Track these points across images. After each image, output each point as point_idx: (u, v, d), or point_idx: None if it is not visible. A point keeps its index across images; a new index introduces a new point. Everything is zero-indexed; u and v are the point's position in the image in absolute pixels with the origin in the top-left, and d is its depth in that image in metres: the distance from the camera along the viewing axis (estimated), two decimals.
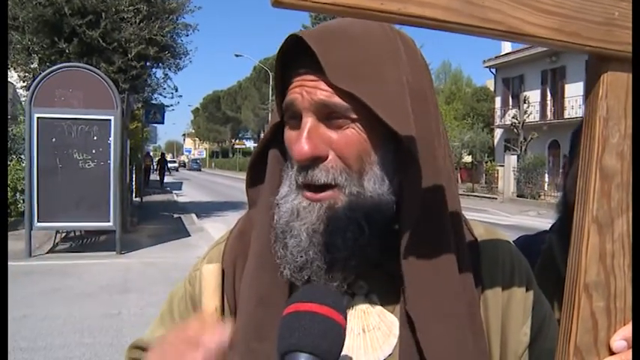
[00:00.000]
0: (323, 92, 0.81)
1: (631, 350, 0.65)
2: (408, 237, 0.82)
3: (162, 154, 43.92)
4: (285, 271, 0.86)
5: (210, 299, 0.94)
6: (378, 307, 0.89)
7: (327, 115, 0.83)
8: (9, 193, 12.29)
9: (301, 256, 0.84)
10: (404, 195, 0.85)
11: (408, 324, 0.84)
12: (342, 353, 0.74)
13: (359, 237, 0.83)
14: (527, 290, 0.94)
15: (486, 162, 31.93)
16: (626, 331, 0.66)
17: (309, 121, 0.82)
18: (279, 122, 0.90)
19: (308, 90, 0.82)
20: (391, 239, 0.85)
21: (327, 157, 0.83)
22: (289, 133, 0.87)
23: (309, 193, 0.84)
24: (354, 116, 0.82)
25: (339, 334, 0.73)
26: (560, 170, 1.59)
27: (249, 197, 0.96)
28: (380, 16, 0.50)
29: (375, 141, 0.84)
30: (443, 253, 0.85)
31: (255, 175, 0.95)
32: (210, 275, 0.95)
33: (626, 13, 0.59)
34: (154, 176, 37.87)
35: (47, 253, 10.56)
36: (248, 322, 0.88)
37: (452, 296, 0.84)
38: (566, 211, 1.47)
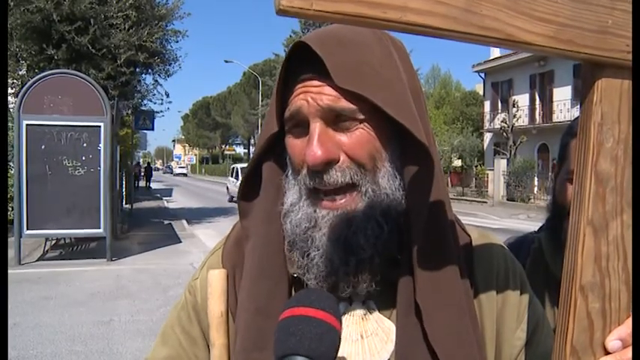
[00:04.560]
0: (328, 97, 0.82)
1: (626, 350, 0.67)
2: (420, 231, 0.84)
3: (148, 164, 49.08)
4: (310, 281, 0.86)
5: (216, 304, 0.94)
6: (376, 314, 0.90)
7: (334, 119, 0.83)
8: None
9: (326, 266, 0.84)
10: (412, 191, 0.86)
11: (416, 314, 0.85)
12: (341, 359, 0.75)
13: (379, 234, 0.84)
14: (521, 294, 0.95)
15: (476, 166, 32.05)
16: (621, 331, 0.67)
17: (317, 126, 0.83)
18: (275, 133, 0.89)
19: (313, 96, 0.83)
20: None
21: (339, 160, 0.83)
22: (294, 142, 0.87)
23: (326, 202, 0.85)
24: (362, 117, 0.83)
25: (334, 337, 0.74)
26: (550, 174, 1.61)
27: (241, 209, 0.95)
28: (381, 24, 0.51)
29: (383, 139, 0.85)
30: (446, 247, 0.87)
31: (248, 188, 0.95)
32: (217, 280, 0.95)
33: (619, 22, 0.61)
34: (141, 182, 39.90)
35: (37, 260, 10.49)
36: (247, 332, 0.88)
37: (454, 287, 0.86)
38: (556, 211, 1.49)
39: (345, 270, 0.84)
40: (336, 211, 0.84)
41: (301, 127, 0.85)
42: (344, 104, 0.82)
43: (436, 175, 0.85)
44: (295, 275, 0.90)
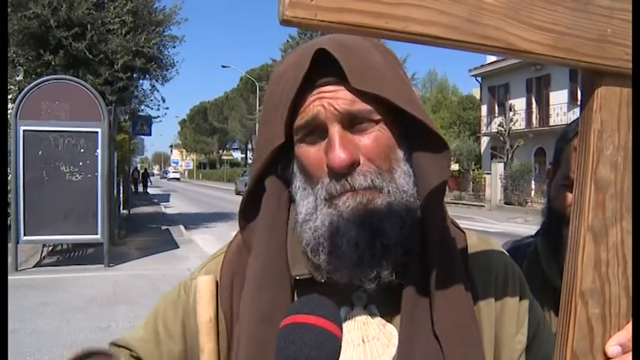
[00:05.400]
0: (344, 100, 0.83)
1: (626, 355, 0.67)
2: (437, 231, 0.86)
3: (145, 169, 51.89)
4: (339, 275, 0.86)
5: (205, 310, 0.95)
6: (377, 318, 0.90)
7: (351, 123, 0.84)
8: None
9: (353, 251, 0.83)
10: (424, 188, 0.87)
11: (419, 319, 0.85)
12: None
13: (403, 226, 0.84)
14: (520, 299, 0.95)
15: (473, 170, 32.09)
16: (621, 336, 0.68)
17: (336, 129, 0.83)
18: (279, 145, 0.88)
19: (329, 101, 0.83)
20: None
21: (360, 162, 0.84)
22: (307, 150, 0.87)
23: (347, 193, 0.84)
24: (377, 117, 0.84)
25: (334, 345, 0.74)
26: (546, 178, 1.63)
27: (241, 222, 0.95)
28: (384, 34, 0.52)
29: (397, 139, 0.87)
30: (453, 250, 0.89)
31: (250, 203, 0.94)
32: (205, 286, 0.96)
33: (618, 30, 0.61)
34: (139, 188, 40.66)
35: (34, 266, 10.45)
36: (250, 341, 0.88)
37: (462, 291, 0.87)
38: (551, 216, 1.50)
39: (372, 253, 0.83)
40: (357, 196, 0.84)
41: (316, 134, 0.85)
42: (360, 106, 0.83)
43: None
44: (298, 277, 0.90)
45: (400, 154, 0.87)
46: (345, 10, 0.50)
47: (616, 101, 0.64)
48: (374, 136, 0.84)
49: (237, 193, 39.67)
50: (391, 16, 0.51)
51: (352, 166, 0.82)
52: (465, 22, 0.54)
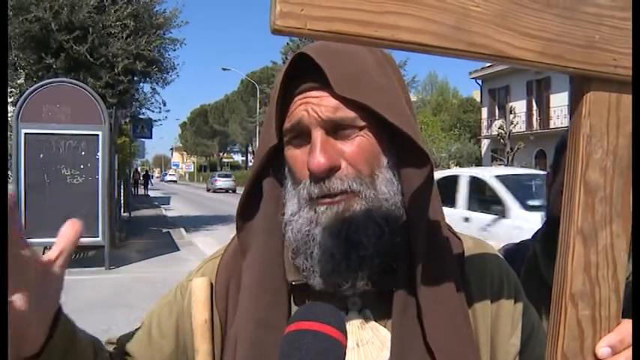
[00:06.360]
0: (328, 107, 0.84)
1: (615, 357, 0.68)
2: (422, 238, 0.86)
3: (146, 171, 53.81)
4: (315, 281, 0.88)
5: (200, 312, 0.96)
6: (371, 322, 0.91)
7: (335, 129, 0.85)
8: None
9: (328, 262, 0.85)
10: (411, 197, 0.88)
11: (411, 323, 0.86)
12: None
13: (380, 234, 0.85)
14: (515, 302, 0.96)
15: None
16: (611, 338, 0.69)
17: (319, 134, 0.84)
18: (273, 145, 0.90)
19: (313, 107, 0.84)
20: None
21: (340, 167, 0.85)
22: (294, 153, 0.89)
23: (326, 200, 0.86)
24: (361, 124, 0.85)
25: (339, 351, 0.75)
26: (545, 182, 1.63)
27: (239, 224, 0.96)
28: (373, 42, 0.53)
29: (382, 146, 0.88)
30: (445, 255, 0.90)
31: (248, 203, 0.96)
32: (199, 289, 0.97)
33: (606, 37, 0.62)
34: (140, 190, 41.35)
35: None
36: (247, 346, 0.89)
37: (453, 295, 0.88)
38: (550, 221, 1.51)
39: (347, 264, 0.85)
40: (334, 206, 0.86)
41: (302, 137, 0.87)
42: (343, 113, 0.84)
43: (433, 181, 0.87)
44: (294, 283, 0.91)
45: (384, 161, 0.88)
46: (334, 20, 0.51)
47: (605, 106, 0.65)
48: (357, 142, 0.86)
49: (208, 190, 48.66)
50: (380, 24, 0.52)
51: (332, 170, 0.84)
52: (452, 29, 0.55)
